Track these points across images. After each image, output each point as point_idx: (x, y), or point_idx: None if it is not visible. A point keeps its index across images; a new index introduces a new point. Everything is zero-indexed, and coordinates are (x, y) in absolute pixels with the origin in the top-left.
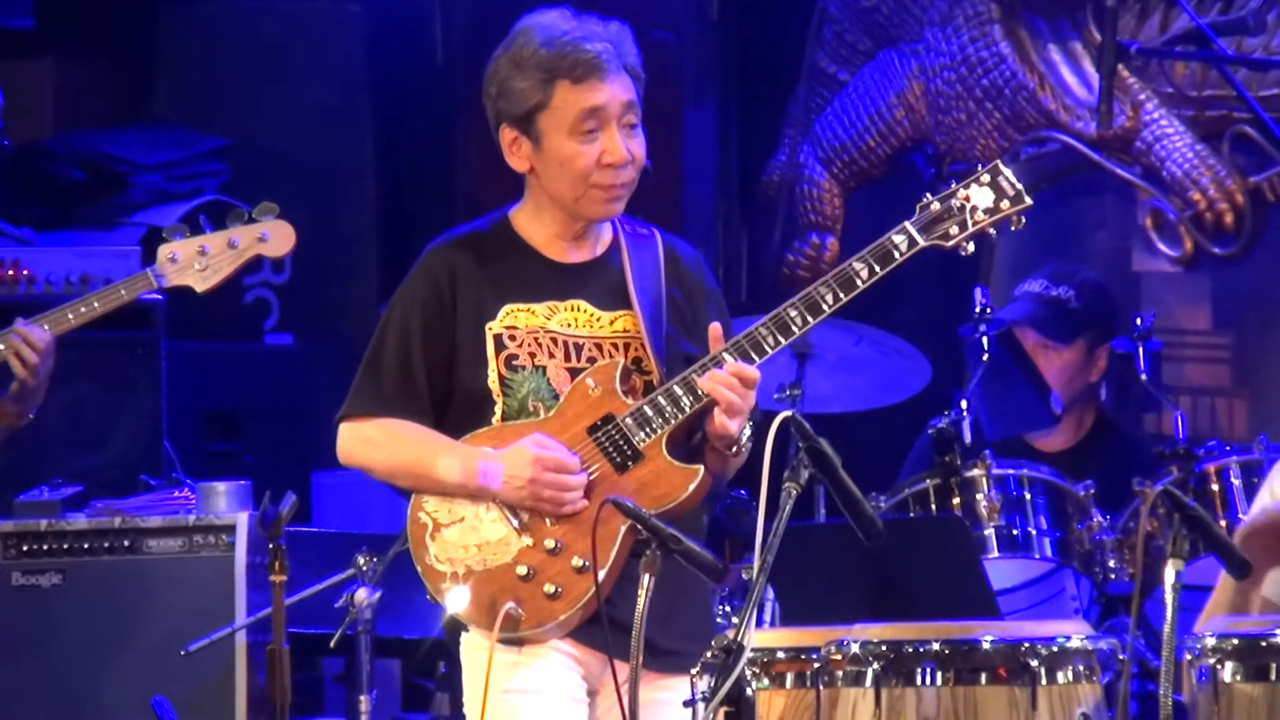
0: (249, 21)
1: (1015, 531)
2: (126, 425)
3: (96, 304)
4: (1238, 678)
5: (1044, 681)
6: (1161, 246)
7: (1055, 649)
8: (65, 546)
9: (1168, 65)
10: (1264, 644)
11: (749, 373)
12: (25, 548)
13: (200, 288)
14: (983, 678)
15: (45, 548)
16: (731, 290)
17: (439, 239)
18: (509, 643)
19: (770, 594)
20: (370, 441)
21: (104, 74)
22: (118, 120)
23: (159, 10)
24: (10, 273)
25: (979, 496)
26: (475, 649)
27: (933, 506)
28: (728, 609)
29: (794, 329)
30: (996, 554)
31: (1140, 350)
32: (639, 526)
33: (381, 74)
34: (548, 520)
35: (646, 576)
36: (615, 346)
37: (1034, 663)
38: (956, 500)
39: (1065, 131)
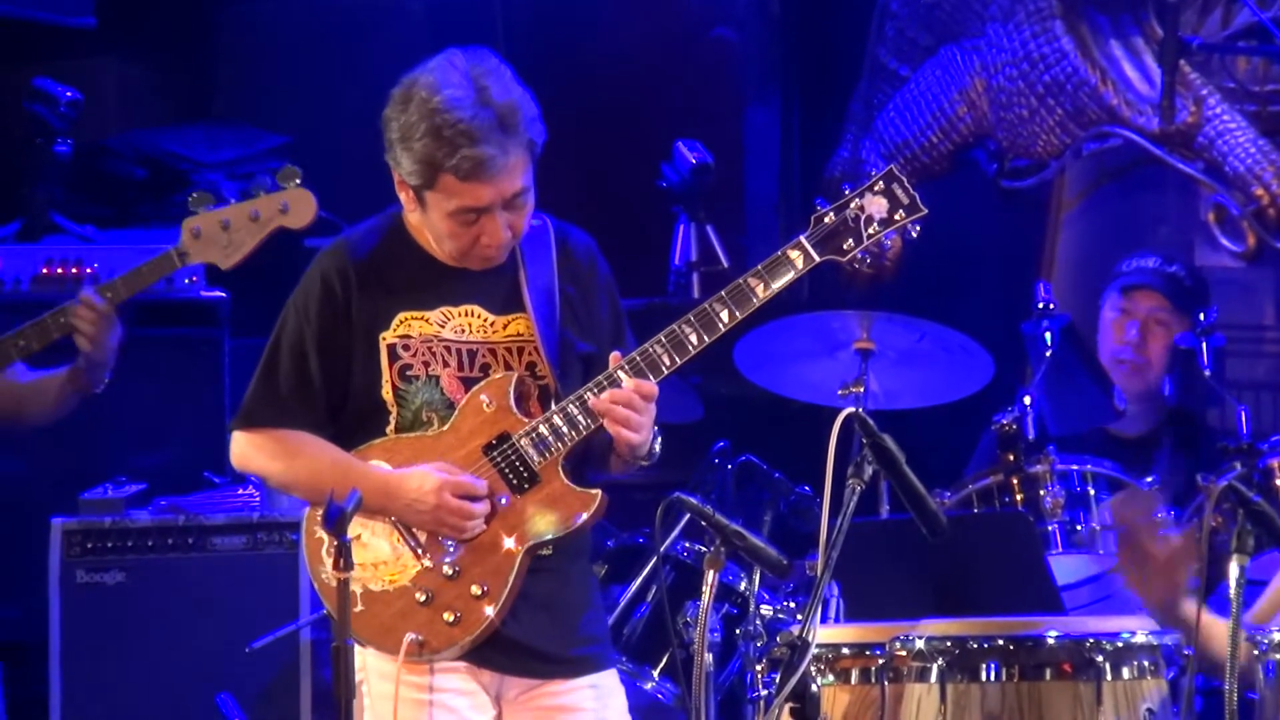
0: (310, 18)
1: (1079, 527)
2: (190, 422)
3: (145, 271)
4: None
5: (1109, 677)
6: (1224, 242)
7: (1120, 644)
8: (129, 544)
9: (1230, 60)
10: None
11: (647, 387)
12: (90, 545)
13: (224, 264)
14: (1047, 673)
15: (109, 545)
16: (794, 288)
17: (332, 242)
18: (407, 663)
19: (835, 590)
20: (266, 451)
21: (165, 72)
22: (179, 118)
23: (220, 8)
24: (73, 270)
25: (1043, 492)
26: (379, 676)
27: (997, 502)
28: (793, 605)
29: (690, 347)
30: (1060, 550)
31: (1204, 345)
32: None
33: None
34: (447, 543)
35: (711, 573)
36: (509, 351)
37: (1099, 658)
38: (1020, 496)
39: (1127, 127)
